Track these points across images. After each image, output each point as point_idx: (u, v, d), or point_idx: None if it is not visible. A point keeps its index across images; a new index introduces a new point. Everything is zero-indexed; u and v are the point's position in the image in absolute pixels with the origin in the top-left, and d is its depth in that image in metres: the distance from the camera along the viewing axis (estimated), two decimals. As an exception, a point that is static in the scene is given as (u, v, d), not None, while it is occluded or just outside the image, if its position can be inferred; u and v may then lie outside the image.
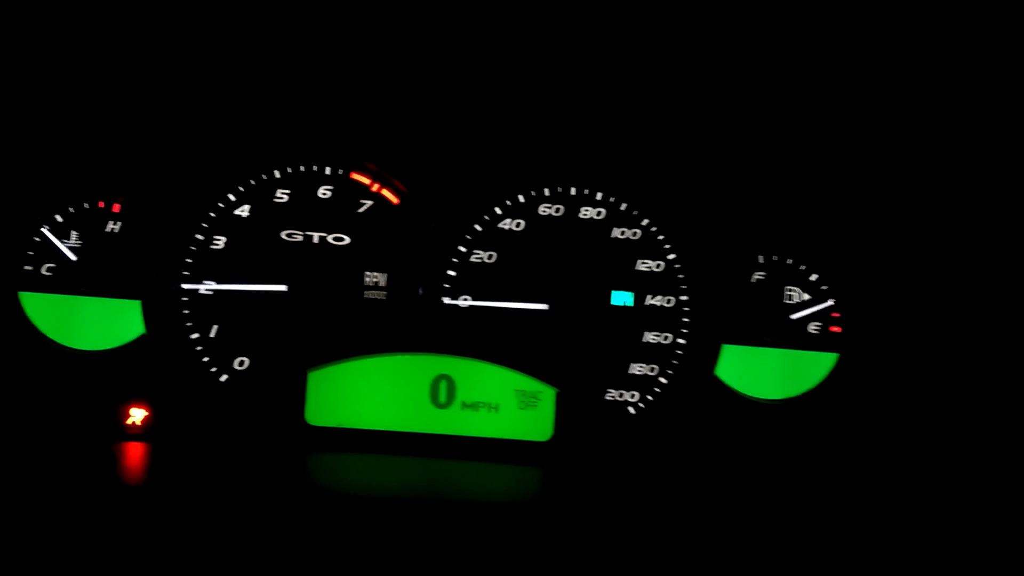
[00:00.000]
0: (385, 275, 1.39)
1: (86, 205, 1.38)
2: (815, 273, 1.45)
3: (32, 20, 1.23)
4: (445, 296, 1.40)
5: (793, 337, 1.44)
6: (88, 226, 1.37)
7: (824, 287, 1.45)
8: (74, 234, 1.37)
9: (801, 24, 1.25)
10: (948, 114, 1.34)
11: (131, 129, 1.38)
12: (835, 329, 1.44)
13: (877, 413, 1.41)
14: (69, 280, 1.36)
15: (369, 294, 1.39)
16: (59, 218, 1.37)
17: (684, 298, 1.42)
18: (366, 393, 1.34)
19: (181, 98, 1.37)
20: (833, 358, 1.43)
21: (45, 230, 1.36)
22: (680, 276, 1.43)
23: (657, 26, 1.28)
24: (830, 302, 1.44)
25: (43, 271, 1.36)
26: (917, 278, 1.43)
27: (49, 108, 1.35)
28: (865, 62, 1.30)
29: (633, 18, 1.27)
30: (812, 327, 1.44)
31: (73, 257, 1.36)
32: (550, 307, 1.41)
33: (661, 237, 1.43)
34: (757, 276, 1.45)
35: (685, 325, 1.42)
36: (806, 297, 1.44)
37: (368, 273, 1.39)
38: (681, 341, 1.41)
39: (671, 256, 1.43)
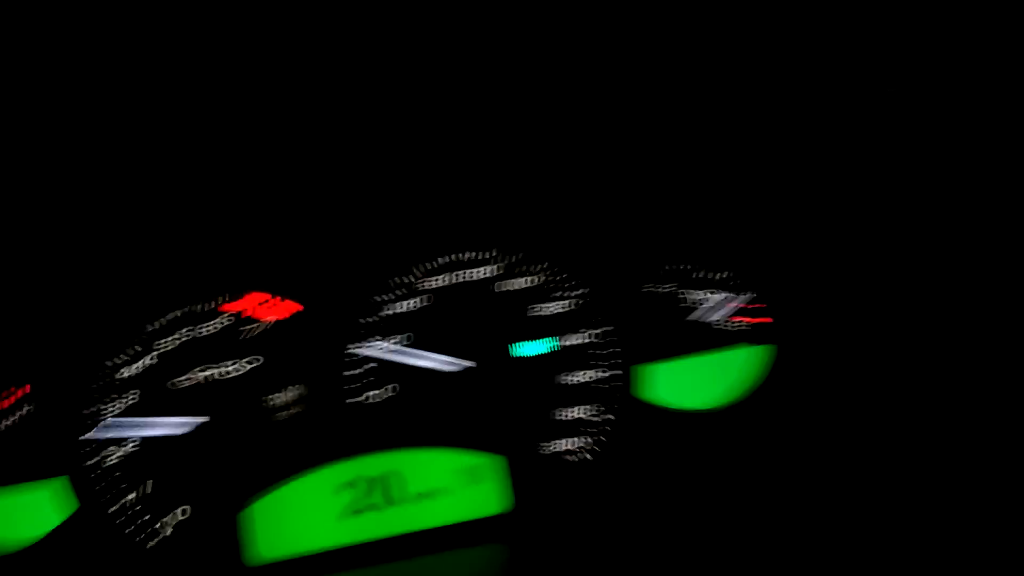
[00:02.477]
0: (292, 391, 1.35)
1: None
2: (723, 271, 1.43)
3: None
4: (363, 393, 1.36)
5: (717, 339, 1.41)
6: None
7: (736, 282, 1.43)
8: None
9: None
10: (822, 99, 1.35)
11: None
12: (756, 320, 1.42)
13: (820, 398, 1.38)
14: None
15: (282, 415, 1.35)
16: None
17: (597, 331, 1.40)
18: (306, 515, 1.29)
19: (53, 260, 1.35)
20: (764, 349, 1.40)
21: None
22: (588, 310, 1.41)
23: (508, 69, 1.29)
24: (747, 296, 1.42)
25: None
26: (827, 255, 1.42)
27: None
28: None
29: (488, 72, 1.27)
30: (735, 325, 1.42)
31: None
32: (467, 378, 1.37)
33: (559, 277, 1.42)
34: (668, 288, 1.43)
35: (605, 356, 1.39)
36: (721, 296, 1.43)
37: (274, 395, 1.35)
38: (606, 374, 1.38)
39: (574, 293, 1.41)
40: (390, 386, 1.36)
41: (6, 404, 1.35)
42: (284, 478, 1.30)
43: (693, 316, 1.41)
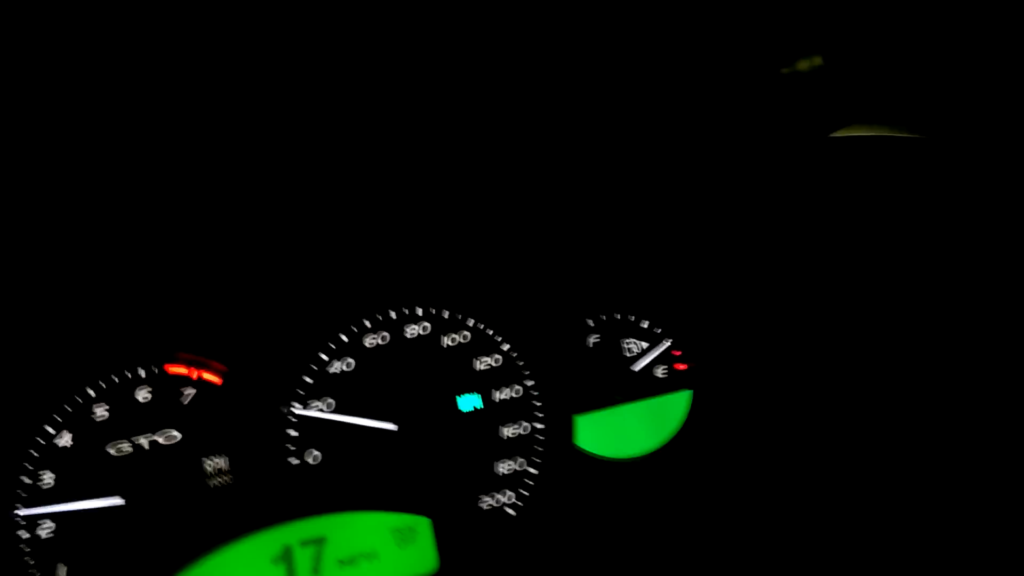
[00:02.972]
0: (224, 457, 1.35)
1: None
2: (645, 319, 1.47)
3: None
4: (291, 458, 1.36)
5: (644, 387, 1.44)
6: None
7: (658, 330, 1.47)
8: None
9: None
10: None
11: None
12: (681, 367, 1.46)
13: (742, 438, 1.42)
14: None
15: (213, 482, 1.34)
16: None
17: (529, 383, 1.42)
18: (239, 584, 1.28)
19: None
20: (686, 395, 1.44)
21: None
22: (519, 362, 1.43)
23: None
24: (667, 343, 1.46)
25: None
26: (742, 299, 1.47)
27: None
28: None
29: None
30: (658, 372, 1.45)
31: None
32: (399, 433, 1.38)
33: (489, 332, 1.44)
34: (593, 339, 1.46)
35: (537, 409, 1.41)
36: (644, 345, 1.46)
37: (206, 461, 1.34)
38: (538, 425, 1.40)
39: (505, 347, 1.43)
40: (317, 449, 1.36)
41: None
42: (212, 549, 1.29)
43: (618, 365, 1.45)
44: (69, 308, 1.35)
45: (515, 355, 1.43)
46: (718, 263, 1.48)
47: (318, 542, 1.31)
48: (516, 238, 1.45)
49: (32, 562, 1.28)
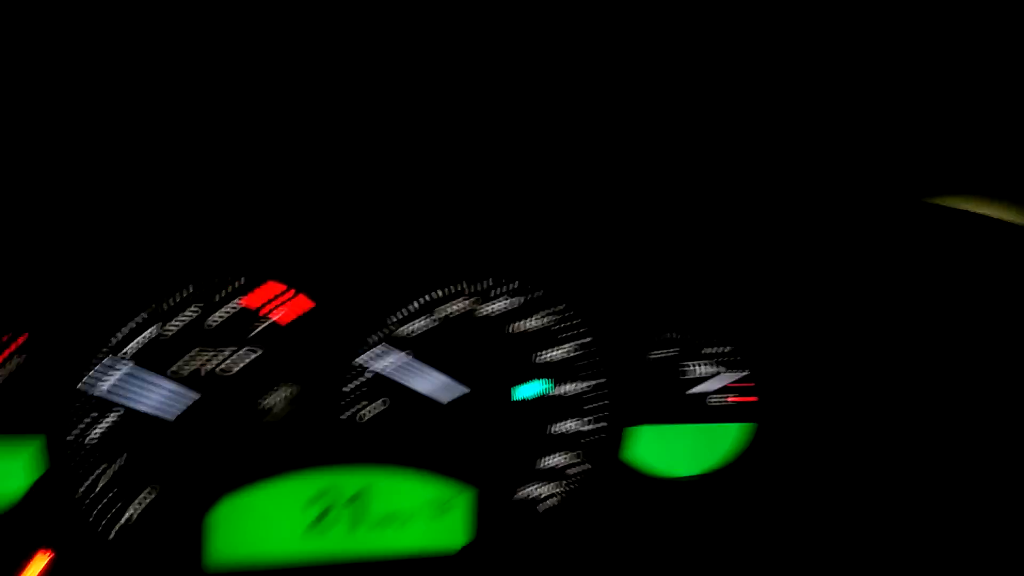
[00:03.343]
0: (287, 391, 1.33)
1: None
2: (720, 345, 1.47)
3: None
4: (350, 407, 1.35)
5: (703, 411, 1.45)
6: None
7: (731, 359, 1.47)
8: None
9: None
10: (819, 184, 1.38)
11: (28, 263, 1.28)
12: (744, 400, 1.46)
13: (795, 479, 1.44)
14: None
15: (269, 416, 1.32)
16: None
17: (592, 383, 1.42)
18: (272, 522, 1.27)
19: (82, 223, 1.28)
20: (744, 428, 1.45)
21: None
22: (586, 362, 1.42)
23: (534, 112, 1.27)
24: (738, 373, 1.46)
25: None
26: (824, 345, 1.47)
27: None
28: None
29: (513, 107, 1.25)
30: (721, 399, 1.46)
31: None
32: (456, 407, 1.38)
33: (564, 324, 1.42)
34: (663, 353, 1.46)
35: (595, 411, 1.41)
36: (713, 370, 1.46)
37: (270, 392, 1.32)
38: (592, 427, 1.41)
39: (575, 343, 1.42)
40: (379, 402, 1.35)
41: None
42: (258, 480, 1.28)
43: (686, 385, 1.45)
44: (192, 215, 1.31)
45: (581, 352, 1.42)
46: (803, 306, 1.48)
47: (356, 493, 1.31)
48: (619, 239, 1.43)
49: (95, 445, 1.26)
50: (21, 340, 1.28)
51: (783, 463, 1.45)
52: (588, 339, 1.42)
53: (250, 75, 1.13)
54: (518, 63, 1.17)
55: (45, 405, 1.25)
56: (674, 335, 1.46)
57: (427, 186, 1.34)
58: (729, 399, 1.47)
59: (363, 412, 1.35)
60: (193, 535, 1.25)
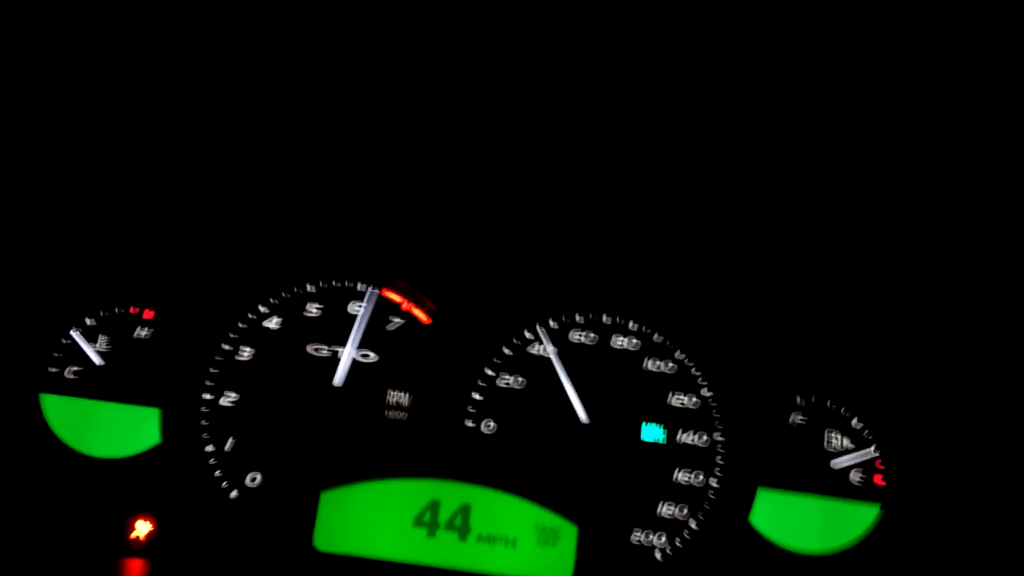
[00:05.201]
0: (408, 395, 1.35)
1: (117, 310, 1.38)
2: (858, 418, 1.38)
3: (76, 119, 1.26)
4: (468, 420, 1.35)
5: (833, 485, 1.35)
6: (117, 331, 1.37)
7: (867, 434, 1.38)
8: (103, 339, 1.37)
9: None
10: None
11: (168, 237, 1.41)
12: (878, 480, 1.36)
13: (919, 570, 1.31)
14: (91, 384, 1.35)
15: (390, 414, 1.35)
16: (89, 321, 1.37)
17: (719, 437, 1.36)
18: (378, 519, 1.28)
19: (220, 208, 1.39)
20: (875, 511, 1.34)
21: (74, 333, 1.36)
22: (715, 414, 1.37)
23: (700, 160, 1.28)
24: (874, 451, 1.36)
25: (67, 374, 1.35)
26: (965, 428, 1.36)
27: (89, 212, 1.38)
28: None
29: (678, 151, 1.27)
30: (854, 476, 1.36)
31: (99, 361, 1.35)
32: (576, 438, 1.35)
33: (696, 371, 1.39)
34: (796, 419, 1.38)
35: (719, 466, 1.35)
36: (848, 443, 1.37)
37: (391, 392, 1.35)
38: (714, 483, 1.34)
39: (706, 392, 1.38)
40: (495, 420, 1.35)
41: (133, 317, 1.38)
42: (371, 475, 1.29)
43: (820, 456, 1.36)
44: (338, 206, 1.40)
45: (714, 403, 1.37)
46: (954, 389, 1.37)
47: (465, 508, 1.29)
48: (757, 289, 1.40)
49: (207, 423, 1.33)
50: (149, 314, 1.39)
51: (910, 553, 1.31)
52: (721, 390, 1.37)
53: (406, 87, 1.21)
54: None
55: (167, 378, 1.34)
56: (809, 399, 1.39)
57: (572, 213, 1.37)
58: (862, 477, 1.36)
59: (481, 426, 1.35)
60: (304, 518, 1.27)
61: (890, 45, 1.03)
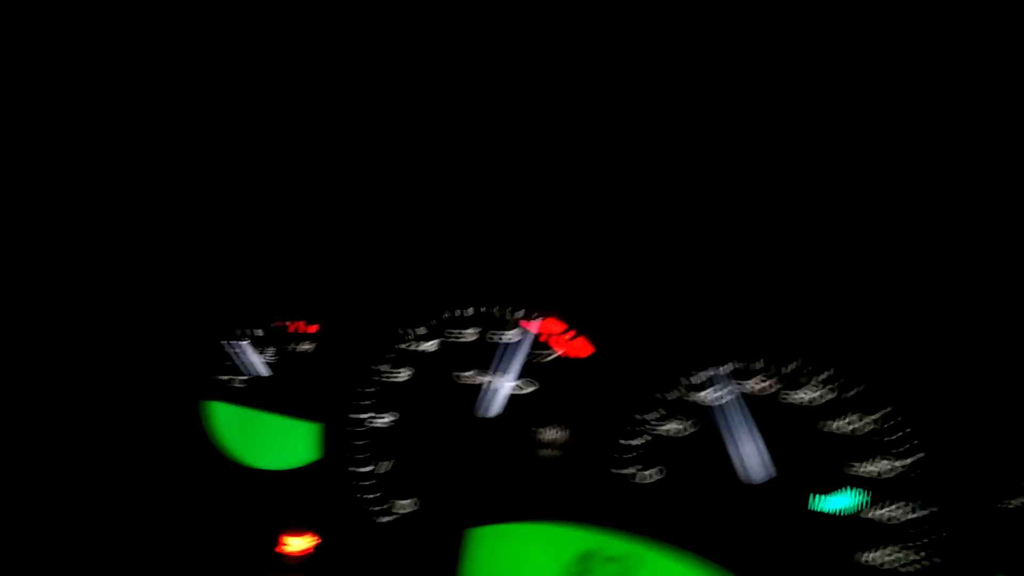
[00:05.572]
0: (563, 433, 1.27)
1: (286, 323, 1.41)
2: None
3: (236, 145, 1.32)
4: (629, 466, 1.24)
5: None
6: (284, 344, 1.40)
7: None
8: (270, 350, 1.40)
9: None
10: None
11: (334, 254, 1.43)
12: None
13: None
14: (257, 395, 1.38)
15: (544, 452, 1.27)
16: (259, 332, 1.41)
17: (919, 513, 1.15)
18: (527, 563, 1.19)
19: (385, 228, 1.40)
20: None
21: (244, 343, 1.41)
22: (915, 482, 1.16)
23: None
24: None
25: (236, 383, 1.39)
26: None
27: (261, 227, 1.43)
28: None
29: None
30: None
31: (266, 372, 1.38)
32: (750, 495, 1.19)
33: (890, 431, 1.19)
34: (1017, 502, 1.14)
35: (922, 551, 1.14)
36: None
37: (546, 429, 1.27)
38: (912, 568, 1.13)
39: (904, 457, 1.18)
40: (659, 469, 1.23)
41: (297, 332, 1.40)
42: (520, 515, 1.22)
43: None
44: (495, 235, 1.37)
45: (923, 472, 1.16)
46: None
47: (620, 564, 1.17)
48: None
49: (363, 443, 1.31)
50: (313, 329, 1.39)
51: None
52: (926, 456, 1.16)
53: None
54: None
55: (330, 392, 1.33)
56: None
57: (753, 245, 1.24)
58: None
59: (641, 474, 1.23)
60: (448, 549, 1.21)
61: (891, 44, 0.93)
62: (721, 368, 1.26)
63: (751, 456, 1.20)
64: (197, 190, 1.40)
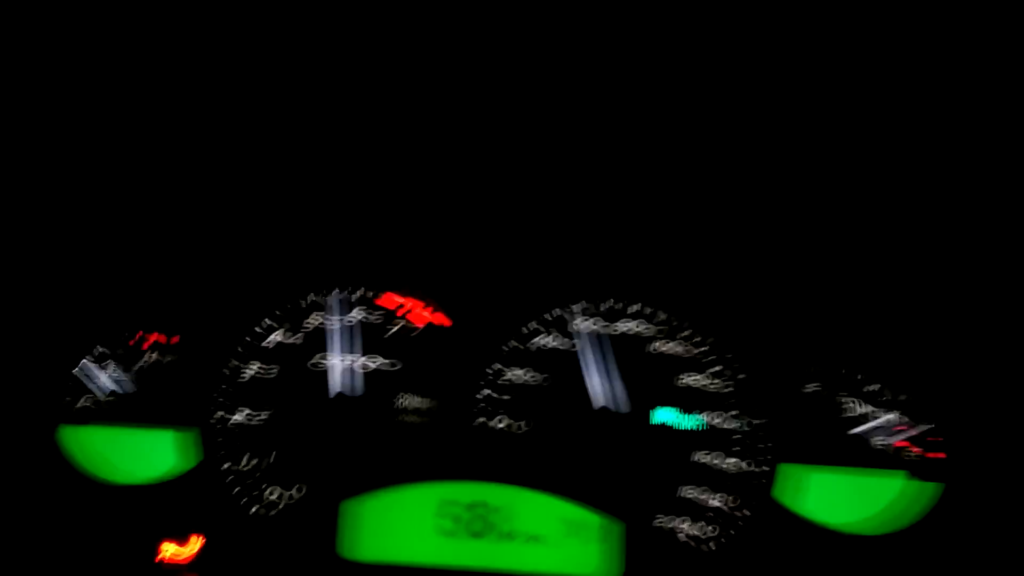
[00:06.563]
0: (421, 398, 1.35)
1: (128, 336, 1.40)
2: (904, 392, 1.34)
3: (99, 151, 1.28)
4: (482, 418, 1.35)
5: (878, 460, 1.31)
6: (130, 357, 1.39)
7: (885, 400, 1.34)
8: (113, 365, 1.38)
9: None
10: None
11: (171, 260, 1.41)
12: (933, 455, 1.32)
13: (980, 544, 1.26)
14: (120, 412, 1.36)
15: (405, 418, 1.35)
16: (102, 349, 1.39)
17: (750, 419, 1.33)
18: (402, 524, 1.28)
19: (219, 222, 1.40)
20: (929, 486, 1.29)
21: (87, 361, 1.38)
22: (745, 395, 1.35)
23: (693, 134, 1.26)
24: (897, 417, 1.33)
25: (82, 403, 1.36)
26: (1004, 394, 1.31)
27: (104, 245, 1.40)
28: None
29: (679, 134, 1.25)
30: (903, 451, 1.32)
31: (127, 388, 1.37)
32: (591, 428, 1.34)
33: (719, 353, 1.36)
34: (833, 394, 1.35)
35: (739, 443, 1.33)
36: (894, 417, 1.33)
37: (403, 396, 1.35)
38: (748, 467, 1.31)
39: (733, 372, 1.35)
40: (512, 416, 1.34)
41: (151, 343, 1.39)
42: (395, 482, 1.29)
43: (857, 430, 1.33)
44: (329, 219, 1.40)
45: (746, 386, 1.34)
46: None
47: (498, 510, 1.28)
48: (762, 259, 1.37)
49: (243, 438, 1.33)
50: (174, 340, 1.40)
51: (969, 531, 1.27)
52: (741, 370, 1.35)
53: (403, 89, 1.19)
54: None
55: (197, 399, 1.35)
56: (845, 372, 1.35)
57: (571, 197, 1.35)
58: (909, 451, 1.32)
59: (497, 424, 1.34)
60: (330, 527, 1.27)
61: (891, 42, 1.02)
62: (563, 311, 1.38)
63: (599, 385, 1.34)
64: (45, 209, 1.35)
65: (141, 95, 1.20)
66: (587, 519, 1.27)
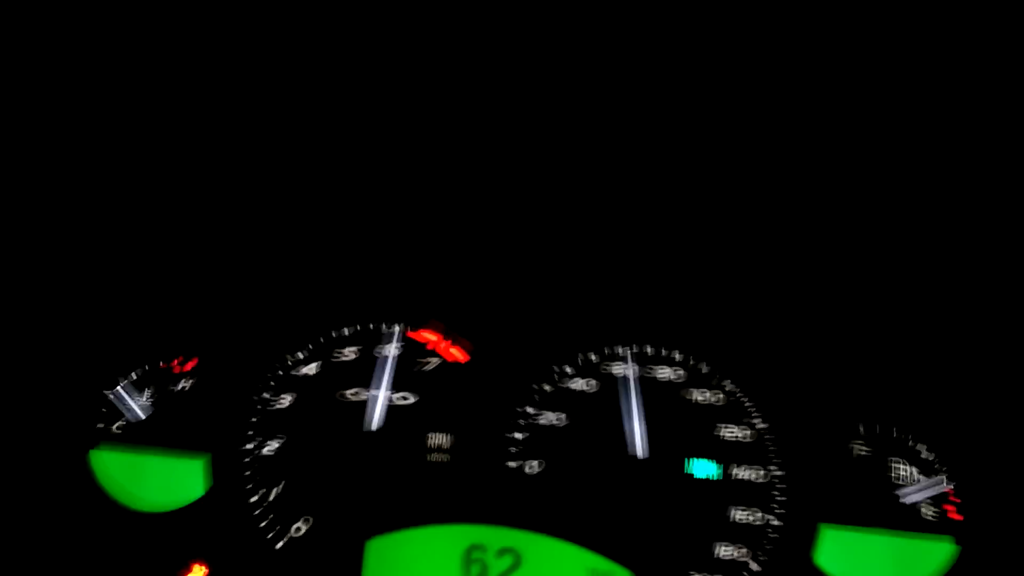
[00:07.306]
0: (449, 436, 1.32)
1: (160, 363, 1.40)
2: (927, 447, 1.29)
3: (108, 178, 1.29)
4: (511, 461, 1.31)
5: (903, 520, 1.26)
6: (160, 384, 1.39)
7: (938, 464, 1.28)
8: (147, 391, 1.38)
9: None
10: None
11: (202, 288, 1.42)
12: (954, 516, 1.26)
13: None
14: (141, 437, 1.36)
15: (432, 457, 1.32)
16: (133, 375, 1.39)
17: (776, 471, 1.29)
18: (425, 566, 1.24)
19: (253, 256, 1.40)
20: (949, 548, 1.24)
21: (119, 388, 1.38)
22: (770, 446, 1.30)
23: (737, 184, 1.24)
24: (945, 483, 1.27)
25: (114, 429, 1.36)
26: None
27: (125, 270, 1.41)
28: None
29: (715, 179, 1.23)
30: (925, 510, 1.26)
31: (148, 413, 1.37)
32: (625, 476, 1.30)
33: (747, 401, 1.32)
34: (859, 449, 1.30)
35: (778, 502, 1.27)
36: (917, 475, 1.28)
37: (431, 434, 1.33)
38: (774, 520, 1.26)
39: (759, 423, 1.31)
40: (542, 460, 1.31)
41: (174, 370, 1.39)
42: (415, 521, 1.26)
43: (890, 489, 1.27)
44: (363, 251, 1.40)
45: (776, 438, 1.30)
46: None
47: (513, 554, 1.25)
48: (810, 312, 1.33)
49: (250, 472, 1.32)
50: (192, 364, 1.39)
51: None
52: (773, 420, 1.30)
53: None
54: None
55: (214, 425, 1.34)
56: (872, 428, 1.30)
57: (607, 241, 1.34)
58: (936, 512, 1.26)
59: (524, 467, 1.31)
60: (348, 564, 1.24)
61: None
62: (593, 355, 1.35)
63: (634, 432, 1.30)
64: (68, 238, 1.37)
65: (178, 118, 1.22)
66: (615, 572, 1.23)
